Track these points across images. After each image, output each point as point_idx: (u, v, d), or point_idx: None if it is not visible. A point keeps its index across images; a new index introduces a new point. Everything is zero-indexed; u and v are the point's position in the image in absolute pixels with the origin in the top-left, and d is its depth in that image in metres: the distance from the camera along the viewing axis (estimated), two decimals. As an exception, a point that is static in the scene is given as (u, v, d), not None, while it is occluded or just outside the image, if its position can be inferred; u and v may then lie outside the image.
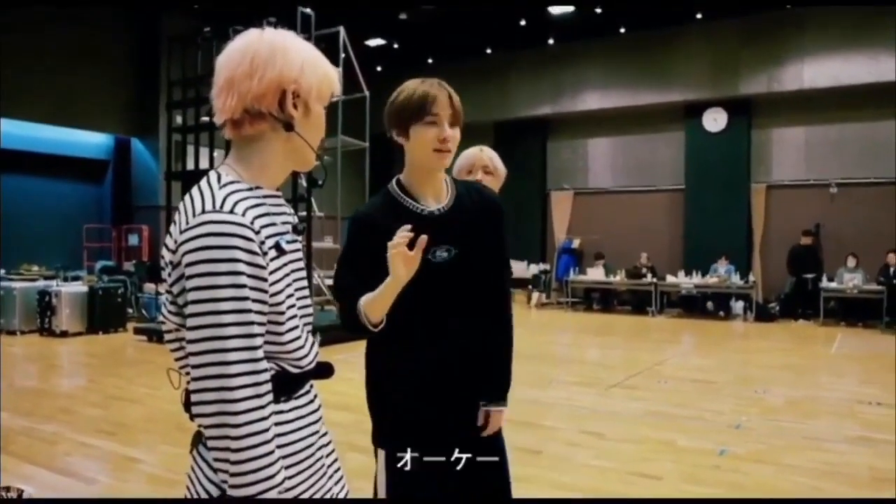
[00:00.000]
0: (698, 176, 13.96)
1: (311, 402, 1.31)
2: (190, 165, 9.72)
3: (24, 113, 11.81)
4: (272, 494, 1.10)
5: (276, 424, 1.16)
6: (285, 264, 1.21)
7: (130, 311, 11.08)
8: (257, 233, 1.15)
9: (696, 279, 13.00)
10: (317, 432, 1.30)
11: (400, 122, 1.75)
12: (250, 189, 1.22)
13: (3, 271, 10.86)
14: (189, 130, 9.78)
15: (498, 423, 1.89)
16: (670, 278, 13.31)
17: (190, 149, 9.73)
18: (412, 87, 1.76)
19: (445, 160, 1.75)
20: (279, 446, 1.15)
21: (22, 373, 7.45)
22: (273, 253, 1.18)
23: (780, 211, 13.48)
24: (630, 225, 14.60)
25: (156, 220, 12.73)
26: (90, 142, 13.64)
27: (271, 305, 1.17)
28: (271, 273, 1.16)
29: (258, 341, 1.13)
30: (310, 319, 1.32)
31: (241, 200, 1.17)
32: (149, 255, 13.17)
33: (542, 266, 15.33)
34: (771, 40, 12.88)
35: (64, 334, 9.52)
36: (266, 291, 1.15)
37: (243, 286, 1.11)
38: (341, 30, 9.42)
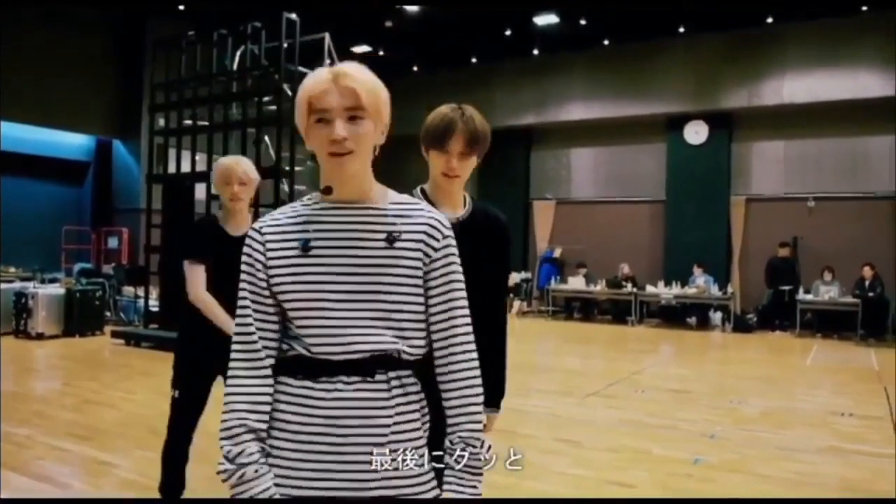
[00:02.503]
0: (679, 187, 14.10)
1: (350, 395, 1.36)
2: (172, 168, 9.67)
3: (3, 113, 11.69)
4: (225, 447, 1.36)
5: (281, 394, 1.39)
6: (301, 263, 1.39)
7: (108, 314, 11.00)
8: (271, 234, 1.43)
9: (676, 290, 13.12)
10: (334, 424, 1.35)
11: (424, 143, 1.99)
12: (308, 203, 1.46)
13: (-22, 272, 10.74)
14: (172, 133, 9.74)
15: (490, 427, 2.06)
16: (650, 288, 13.42)
17: (172, 152, 9.68)
18: (440, 114, 1.96)
19: (453, 185, 1.97)
20: (276, 411, 1.39)
21: (-4, 375, 7.35)
22: (291, 253, 1.40)
23: (758, 223, 13.65)
24: (611, 235, 14.71)
25: (136, 222, 12.62)
26: (71, 143, 13.53)
27: (278, 295, 1.40)
28: (275, 269, 1.40)
29: (248, 319, 1.42)
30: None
31: (280, 214, 1.47)
32: (128, 258, 13.07)
33: (523, 275, 15.39)
34: (752, 55, 13.07)
35: (40, 337, 9.42)
36: (262, 281, 1.42)
37: (243, 274, 1.45)
38: (326, 36, 9.43)
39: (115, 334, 9.59)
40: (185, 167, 9.65)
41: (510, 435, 4.91)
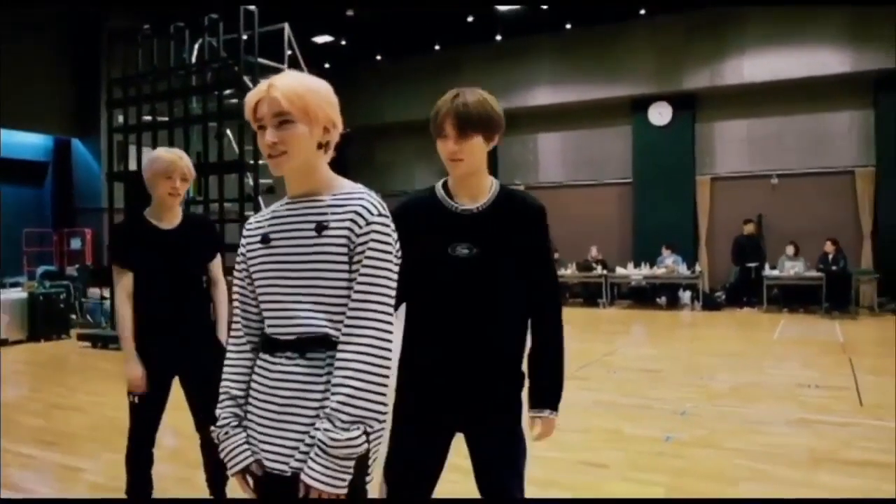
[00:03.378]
0: (645, 169, 14.22)
1: (288, 369, 1.53)
2: (133, 166, 9.48)
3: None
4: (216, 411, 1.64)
5: (255, 367, 1.62)
6: (263, 254, 1.60)
7: (74, 316, 10.79)
8: (250, 229, 1.66)
9: (645, 270, 13.25)
10: (274, 394, 1.54)
11: (433, 136, 1.93)
12: (285, 201, 1.64)
13: (-64, 279, 10.46)
14: (131, 130, 9.55)
15: (551, 430, 2.00)
16: (620, 270, 13.54)
17: (133, 149, 9.49)
18: (438, 102, 1.91)
19: (458, 169, 1.90)
20: (252, 381, 1.62)
21: (-42, 384, 7.17)
22: (257, 245, 1.62)
23: (724, 202, 13.83)
24: (580, 218, 14.79)
25: (99, 222, 12.38)
26: (28, 143, 13.20)
27: (251, 281, 1.64)
28: (249, 259, 1.64)
29: (238, 303, 1.69)
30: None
31: (266, 210, 1.69)
32: (92, 259, 12.82)
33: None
34: (712, 36, 13.19)
35: (4, 343, 9.21)
36: (243, 270, 1.67)
37: (236, 263, 1.70)
38: (286, 26, 9.30)
39: (81, 337, 9.41)
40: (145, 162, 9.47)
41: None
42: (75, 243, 13.20)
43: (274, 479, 1.52)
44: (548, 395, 1.99)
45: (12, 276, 11.60)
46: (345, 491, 1.42)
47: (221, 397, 1.63)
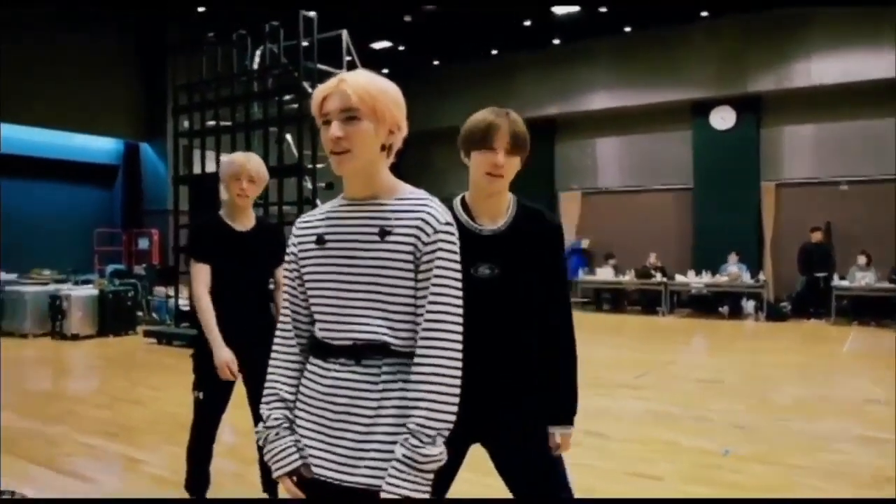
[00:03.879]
0: (707, 175, 13.89)
1: (343, 376, 1.50)
2: (197, 169, 9.77)
3: (35, 119, 11.96)
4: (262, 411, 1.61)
5: (306, 371, 1.59)
6: (318, 255, 1.57)
7: (141, 314, 11.17)
8: (302, 228, 1.63)
9: (706, 278, 12.93)
10: (329, 401, 1.51)
11: (465, 147, 1.93)
12: (339, 202, 1.61)
13: (15, 276, 10.98)
14: (195, 134, 9.83)
15: (568, 444, 1.98)
16: (680, 278, 13.24)
17: (197, 153, 9.78)
18: (480, 116, 1.91)
19: (495, 184, 1.90)
20: (301, 385, 1.59)
21: (31, 376, 7.52)
22: (311, 245, 1.58)
23: (790, 209, 13.38)
24: (639, 224, 14.54)
25: (165, 223, 12.81)
26: (101, 147, 13.78)
27: (305, 283, 1.60)
28: (302, 260, 1.60)
29: (287, 303, 1.65)
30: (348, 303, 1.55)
31: (316, 211, 1.66)
32: (159, 259, 13.26)
33: (551, 267, 15.27)
34: (778, 37, 12.80)
35: (75, 337, 9.60)
36: (294, 270, 1.63)
37: (286, 264, 1.67)
38: (344, 33, 9.43)
39: (147, 333, 9.74)
40: (210, 167, 9.74)
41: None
42: (143, 243, 13.68)
43: (323, 485, 1.50)
44: (563, 411, 1.99)
45: (84, 274, 12.09)
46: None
47: (269, 398, 1.60)
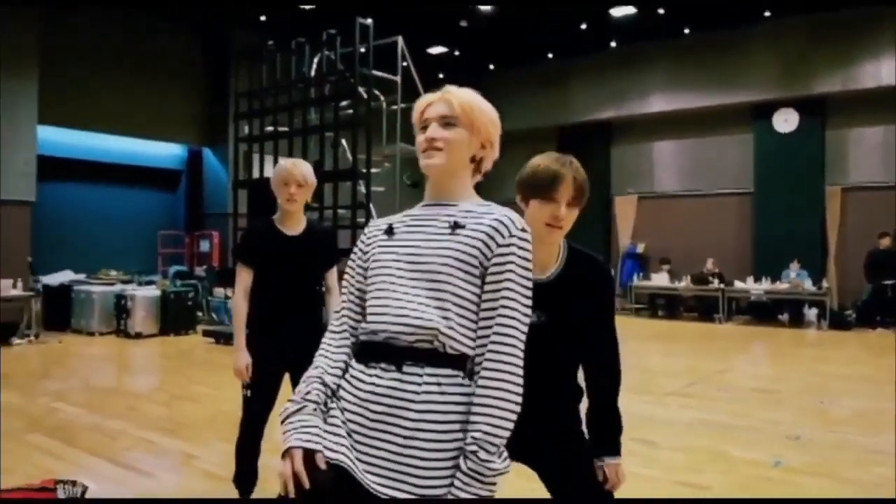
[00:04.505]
0: (768, 178, 13.51)
1: (384, 383, 1.45)
2: (256, 174, 10.04)
3: (104, 126, 12.47)
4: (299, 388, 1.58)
5: (349, 377, 1.54)
6: (384, 244, 1.58)
7: (201, 314, 11.53)
8: (374, 226, 1.66)
9: (766, 285, 12.57)
10: (366, 407, 1.46)
11: (524, 193, 1.92)
12: (419, 205, 1.64)
13: (83, 276, 11.48)
14: (255, 140, 10.11)
15: (617, 475, 1.96)
16: (739, 284, 12.90)
17: (256, 158, 10.05)
18: (543, 164, 1.90)
19: (554, 235, 1.89)
20: (343, 390, 1.54)
21: (97, 372, 7.86)
22: (380, 235, 1.61)
23: (857, 214, 12.89)
24: (696, 229, 14.25)
25: (225, 226, 13.17)
26: (165, 153, 14.27)
27: (365, 277, 1.61)
28: (368, 249, 1.63)
29: (345, 298, 1.65)
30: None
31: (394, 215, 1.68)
32: (219, 261, 13.65)
33: (605, 272, 15.09)
34: (844, 38, 12.37)
35: (138, 336, 9.98)
36: (358, 266, 1.64)
37: (349, 261, 1.68)
38: (399, 39, 9.56)
39: (206, 333, 10.05)
40: (269, 172, 9.98)
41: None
42: (204, 245, 14.10)
43: (340, 482, 1.42)
44: (607, 444, 1.98)
45: (148, 275, 12.55)
46: None
47: (312, 379, 1.55)
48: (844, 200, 13.07)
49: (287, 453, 1.45)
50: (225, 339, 9.60)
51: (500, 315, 1.44)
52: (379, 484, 1.40)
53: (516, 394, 1.43)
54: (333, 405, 1.53)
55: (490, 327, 1.44)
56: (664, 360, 8.95)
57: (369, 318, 1.53)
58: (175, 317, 10.46)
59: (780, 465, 4.27)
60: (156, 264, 13.72)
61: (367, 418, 1.45)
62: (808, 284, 12.27)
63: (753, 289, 12.76)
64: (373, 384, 1.46)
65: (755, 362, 9.02)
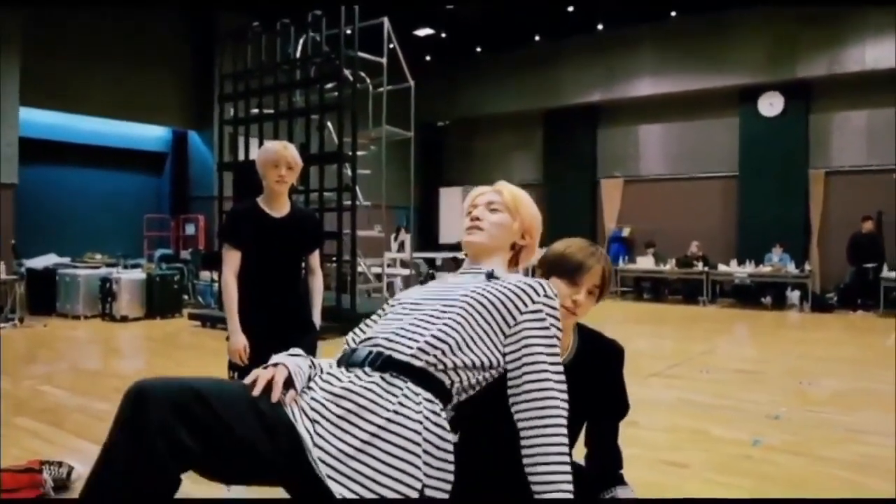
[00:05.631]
0: (753, 162, 13.61)
1: (361, 383, 1.44)
2: (241, 156, 9.99)
3: (88, 108, 12.35)
4: None
5: (323, 375, 1.52)
6: (420, 287, 1.74)
7: (186, 297, 11.50)
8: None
9: (750, 268, 12.70)
10: (329, 398, 1.43)
11: (546, 270, 1.88)
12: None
13: (68, 259, 11.40)
14: (240, 122, 10.05)
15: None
16: (722, 267, 13.03)
17: (241, 140, 10.00)
18: (574, 248, 1.87)
19: (568, 320, 1.85)
20: (315, 385, 1.49)
21: (83, 355, 7.85)
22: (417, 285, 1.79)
23: (839, 198, 13.03)
24: (681, 213, 14.35)
25: (210, 209, 13.12)
26: (150, 135, 14.15)
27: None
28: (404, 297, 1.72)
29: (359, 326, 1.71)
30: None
31: None
32: (204, 244, 13.60)
33: (591, 255, 15.17)
34: (830, 21, 12.43)
35: (124, 319, 9.96)
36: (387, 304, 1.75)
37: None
38: (385, 20, 9.51)
39: (191, 316, 10.04)
40: (254, 155, 9.93)
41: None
42: (190, 229, 14.04)
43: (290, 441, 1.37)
44: (615, 479, 2.04)
45: (133, 258, 12.49)
46: None
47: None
48: (828, 184, 13.20)
49: (276, 365, 1.46)
50: (211, 322, 9.60)
51: (539, 376, 1.52)
52: (329, 476, 1.33)
53: (564, 459, 1.49)
54: (312, 384, 1.49)
55: (527, 393, 1.51)
56: (649, 342, 9.04)
57: (373, 329, 1.59)
58: (161, 300, 10.44)
59: (759, 444, 4.34)
60: (141, 247, 13.65)
61: (333, 412, 1.39)
62: (791, 268, 12.41)
63: (737, 272, 12.89)
64: (350, 382, 1.43)
65: (738, 344, 9.14)
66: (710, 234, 13.95)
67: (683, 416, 5.06)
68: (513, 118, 16.01)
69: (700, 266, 13.07)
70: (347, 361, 1.50)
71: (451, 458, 1.42)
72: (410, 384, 1.41)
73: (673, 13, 13.71)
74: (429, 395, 1.42)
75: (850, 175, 12.98)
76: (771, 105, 13.46)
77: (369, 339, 1.53)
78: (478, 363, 1.49)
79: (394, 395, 1.39)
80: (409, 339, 1.46)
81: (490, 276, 1.59)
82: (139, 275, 10.53)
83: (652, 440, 4.41)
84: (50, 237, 11.85)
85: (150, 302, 10.35)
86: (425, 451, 1.38)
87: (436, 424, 1.41)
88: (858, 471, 3.86)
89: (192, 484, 3.91)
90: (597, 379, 1.91)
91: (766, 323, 10.86)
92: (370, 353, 1.47)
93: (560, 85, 15.19)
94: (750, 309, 12.40)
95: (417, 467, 1.36)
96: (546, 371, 1.51)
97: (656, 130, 15.10)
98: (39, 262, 10.91)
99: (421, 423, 1.39)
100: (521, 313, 1.52)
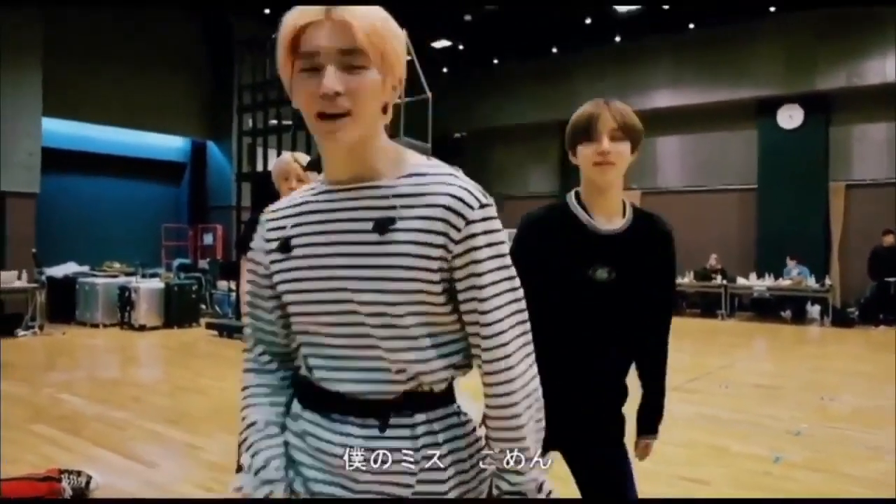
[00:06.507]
0: (772, 175, 13.48)
1: (354, 441, 1.07)
2: (259, 167, 10.07)
3: (108, 118, 12.50)
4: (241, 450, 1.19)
5: (291, 420, 1.16)
6: (288, 268, 1.11)
7: (204, 306, 11.57)
8: (267, 232, 1.16)
9: (769, 281, 12.57)
10: (346, 476, 1.08)
11: (571, 144, 1.83)
12: (315, 189, 1.15)
13: (87, 268, 11.52)
14: (258, 133, 10.13)
15: (649, 451, 2.04)
16: (741, 280, 12.91)
17: (259, 151, 10.08)
18: (580, 109, 1.82)
19: (607, 173, 1.76)
20: (290, 444, 1.15)
21: (101, 363, 7.92)
22: (276, 253, 1.13)
23: (860, 211, 12.88)
24: (700, 225, 14.21)
25: (228, 219, 13.21)
26: (170, 145, 14.31)
27: (280, 302, 1.15)
28: (275, 272, 1.13)
29: (249, 323, 1.21)
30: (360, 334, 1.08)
31: (286, 202, 1.18)
32: (222, 254, 13.69)
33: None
34: (849, 34, 12.32)
35: (142, 328, 10.03)
36: (259, 285, 1.18)
37: (248, 269, 1.20)
38: (403, 32, 9.56)
39: (209, 326, 10.10)
40: (272, 165, 10.02)
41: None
42: (208, 238, 14.15)
43: None
44: (653, 420, 2.01)
45: (152, 267, 12.59)
46: None
47: (257, 443, 1.17)
48: (848, 197, 13.05)
49: None
50: (228, 331, 9.64)
51: (478, 332, 1.06)
52: None
53: (538, 417, 1.11)
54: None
55: (475, 346, 1.09)
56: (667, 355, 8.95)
57: (315, 373, 1.11)
58: (179, 309, 10.50)
59: (780, 461, 4.29)
60: (160, 257, 13.76)
61: (350, 489, 1.09)
62: (811, 281, 12.27)
63: (756, 285, 12.76)
64: (345, 445, 1.07)
65: (757, 358, 9.04)
66: (729, 246, 13.82)
67: (703, 431, 5.00)
68: (529, 129, 15.99)
69: (718, 279, 12.95)
70: (319, 403, 1.12)
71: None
72: (418, 416, 1.10)
73: (690, 25, 13.68)
74: (439, 413, 1.13)
75: (871, 188, 12.83)
76: (790, 117, 13.36)
77: (328, 375, 1.12)
78: (446, 330, 1.11)
79: (409, 437, 1.10)
80: (381, 385, 1.09)
81: (382, 225, 1.04)
82: (157, 284, 10.61)
83: (672, 455, 4.36)
84: (69, 246, 11.98)
85: (168, 311, 10.42)
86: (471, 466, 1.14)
87: (463, 433, 1.15)
88: (877, 488, 3.79)
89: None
90: (650, 251, 1.84)
91: (786, 337, 10.74)
92: (349, 400, 1.10)
93: (576, 96, 14.99)
94: (769, 323, 12.26)
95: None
96: (507, 346, 1.06)
97: (674, 142, 15.03)
98: (59, 271, 11.03)
99: (450, 448, 1.12)
100: (453, 255, 1.03)
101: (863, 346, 9.87)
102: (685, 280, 13.33)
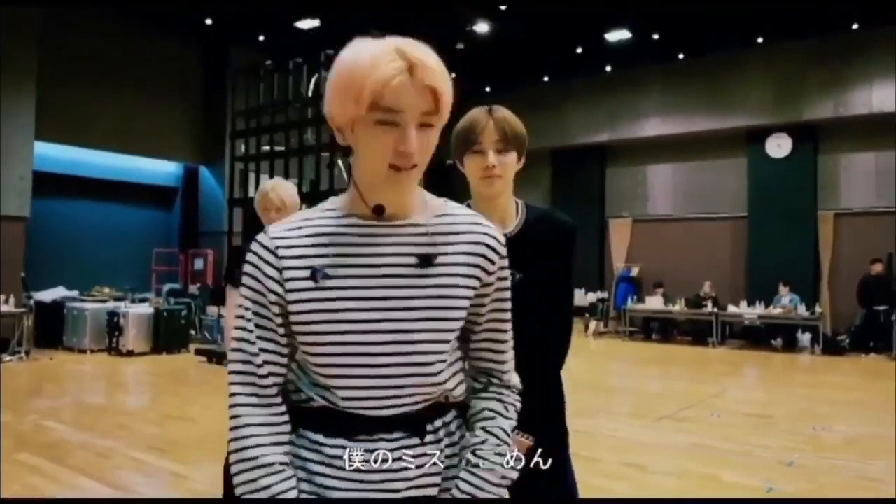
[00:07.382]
0: (762, 203, 13.60)
1: (389, 455, 1.11)
2: (252, 192, 10.07)
3: (99, 142, 12.50)
4: (256, 495, 1.11)
5: (310, 451, 1.14)
6: (321, 298, 1.10)
7: (193, 332, 11.48)
8: (279, 258, 1.12)
9: (760, 309, 12.60)
10: (384, 489, 1.11)
11: (456, 154, 1.82)
12: (329, 215, 1.17)
13: (76, 292, 11.43)
14: (251, 159, 10.15)
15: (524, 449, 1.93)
16: (732, 308, 12.93)
17: (252, 176, 10.09)
18: (464, 118, 1.80)
19: (493, 186, 1.77)
20: (308, 471, 1.13)
21: (88, 390, 7.82)
22: (300, 282, 1.11)
23: (849, 239, 12.98)
24: (690, 253, 14.30)
25: (220, 244, 13.19)
26: (162, 170, 14.30)
27: (300, 332, 1.12)
28: (298, 301, 1.10)
29: (252, 346, 1.14)
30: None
31: (297, 226, 1.15)
32: (213, 279, 13.62)
33: (599, 294, 15.14)
34: (836, 64, 12.53)
35: (130, 354, 9.93)
36: (265, 316, 1.13)
37: (248, 292, 1.14)
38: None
39: (198, 352, 10.01)
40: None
41: (573, 458, 4.83)
42: (198, 264, 14.07)
43: None
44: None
45: (141, 292, 12.51)
46: None
47: (259, 469, 1.13)
48: (837, 225, 13.16)
49: None
50: (217, 358, 9.56)
51: (496, 359, 1.25)
52: None
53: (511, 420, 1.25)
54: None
55: (488, 369, 1.25)
56: (658, 383, 8.94)
57: (343, 401, 1.11)
58: (168, 335, 10.41)
59: (772, 491, 4.26)
60: (149, 282, 13.67)
61: (388, 500, 1.12)
62: (801, 309, 12.31)
63: (747, 313, 12.79)
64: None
65: (748, 387, 9.03)
66: (719, 274, 13.87)
67: (694, 460, 4.97)
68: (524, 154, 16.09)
69: (709, 307, 12.98)
70: (345, 430, 1.14)
71: None
72: (437, 421, 1.19)
73: (680, 55, 13.88)
74: (450, 416, 1.22)
75: (859, 216, 12.95)
76: (779, 146, 13.51)
77: (358, 396, 1.14)
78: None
79: (436, 442, 1.19)
80: (406, 385, 1.16)
81: (425, 262, 1.13)
82: (147, 309, 10.53)
83: (661, 486, 4.34)
84: (59, 270, 11.89)
85: (157, 337, 10.33)
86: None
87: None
88: (875, 521, 3.77)
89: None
90: (547, 248, 1.83)
91: (777, 365, 10.74)
92: (376, 414, 1.14)
93: (568, 125, 15.31)
94: (760, 350, 12.27)
95: None
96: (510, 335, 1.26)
97: (665, 170, 15.15)
98: (48, 295, 10.94)
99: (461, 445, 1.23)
100: (483, 284, 1.18)
101: (854, 374, 9.88)
102: (676, 307, 13.35)
